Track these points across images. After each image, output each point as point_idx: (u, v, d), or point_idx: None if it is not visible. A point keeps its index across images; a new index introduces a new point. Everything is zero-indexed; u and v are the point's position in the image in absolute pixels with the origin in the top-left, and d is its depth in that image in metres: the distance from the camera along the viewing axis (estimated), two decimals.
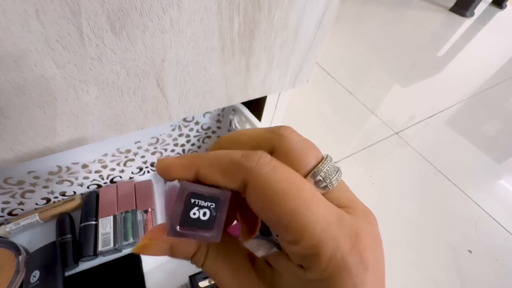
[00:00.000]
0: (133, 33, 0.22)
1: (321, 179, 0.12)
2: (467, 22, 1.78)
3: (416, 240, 0.58)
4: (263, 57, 0.32)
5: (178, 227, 0.10)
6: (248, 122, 0.42)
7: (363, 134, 0.81)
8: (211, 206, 0.11)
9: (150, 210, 0.43)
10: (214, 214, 0.11)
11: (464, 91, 1.10)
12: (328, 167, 0.12)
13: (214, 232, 0.11)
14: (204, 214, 0.11)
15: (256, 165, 0.11)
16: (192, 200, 0.10)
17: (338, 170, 0.13)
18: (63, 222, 0.40)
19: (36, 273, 0.34)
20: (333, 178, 0.12)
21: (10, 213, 0.40)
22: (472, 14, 1.84)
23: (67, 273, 0.37)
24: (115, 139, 0.40)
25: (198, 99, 0.32)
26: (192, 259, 0.13)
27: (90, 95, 0.24)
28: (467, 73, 1.23)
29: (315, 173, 0.12)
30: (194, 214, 0.10)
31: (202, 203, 0.10)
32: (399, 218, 0.62)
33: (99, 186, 0.45)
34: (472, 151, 0.81)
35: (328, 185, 0.12)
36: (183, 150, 0.49)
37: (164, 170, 0.12)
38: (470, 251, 0.57)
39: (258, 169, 0.11)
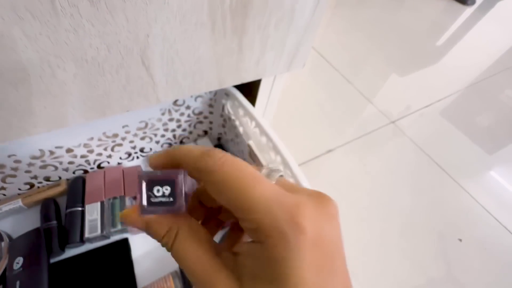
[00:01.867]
0: (112, 2, 0.20)
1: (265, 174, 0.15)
2: (468, 10, 1.75)
3: (408, 229, 0.59)
4: (257, 37, 0.30)
5: (145, 206, 0.13)
6: (241, 107, 0.41)
7: (359, 122, 0.81)
8: (170, 185, 0.13)
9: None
10: (172, 191, 0.13)
11: (462, 81, 1.09)
12: (269, 167, 0.15)
13: (176, 205, 0.13)
14: (163, 193, 0.13)
15: (211, 161, 0.13)
16: (153, 184, 0.13)
17: (278, 169, 0.16)
18: (47, 207, 0.39)
19: (20, 260, 0.33)
20: (275, 175, 0.15)
21: None
22: (473, 3, 1.81)
23: (52, 260, 0.36)
24: (100, 122, 0.38)
25: (188, 80, 0.30)
26: (162, 240, 0.14)
27: (67, 72, 0.22)
28: (465, 62, 1.22)
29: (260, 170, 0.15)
30: (156, 194, 0.13)
31: (161, 184, 0.13)
32: (392, 206, 0.62)
33: (85, 171, 0.43)
34: (466, 142, 0.81)
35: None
36: (174, 136, 0.48)
37: (155, 167, 0.15)
38: (460, 240, 0.58)
39: (212, 164, 0.13)
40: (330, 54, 1.01)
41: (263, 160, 0.41)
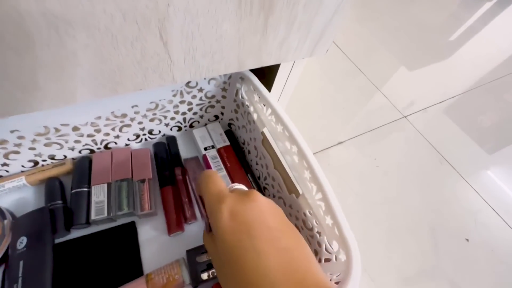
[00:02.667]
0: None
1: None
2: (487, 4, 1.67)
3: (415, 225, 0.58)
4: (284, 16, 0.27)
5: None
6: (257, 92, 0.38)
7: (370, 115, 0.78)
8: None
9: (147, 180, 0.40)
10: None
11: (476, 78, 1.05)
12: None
13: None
14: None
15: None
16: None
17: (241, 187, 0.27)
18: (52, 187, 0.38)
19: (23, 239, 0.32)
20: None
21: None
22: None
23: (57, 241, 0.35)
24: (110, 100, 0.35)
25: (206, 60, 0.27)
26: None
27: (77, 41, 0.19)
28: (480, 58, 1.18)
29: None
30: None
31: None
32: (400, 202, 0.61)
33: (92, 151, 0.42)
34: (479, 141, 0.79)
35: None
36: (184, 119, 0.46)
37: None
38: (467, 240, 0.58)
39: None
40: (343, 43, 0.97)
41: (277, 149, 0.39)
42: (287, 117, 0.35)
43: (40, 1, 0.16)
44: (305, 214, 0.35)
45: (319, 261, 0.33)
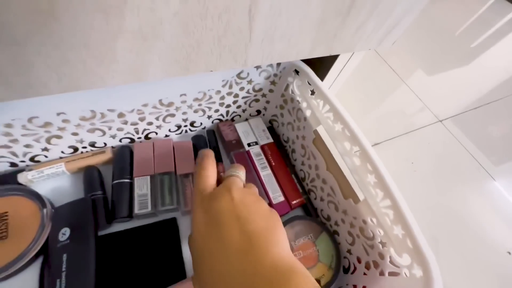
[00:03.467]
0: None
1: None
2: None
3: (456, 236, 0.54)
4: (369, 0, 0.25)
5: None
6: (314, 87, 0.35)
7: (406, 117, 0.75)
8: None
9: (191, 174, 0.38)
10: None
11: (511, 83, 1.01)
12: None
13: None
14: None
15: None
16: None
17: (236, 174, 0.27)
18: (92, 176, 0.35)
19: (66, 231, 0.30)
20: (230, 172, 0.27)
21: (32, 159, 0.34)
22: None
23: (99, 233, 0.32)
24: (159, 87, 0.33)
25: (282, 43, 0.25)
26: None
27: (169, 8, 0.17)
28: None
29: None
30: None
31: None
32: (437, 208, 0.58)
33: (132, 140, 0.39)
34: None
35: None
36: (227, 112, 0.43)
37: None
38: (510, 253, 0.54)
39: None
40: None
41: (333, 149, 0.36)
42: (349, 115, 0.32)
43: None
44: (364, 222, 0.32)
45: (381, 273, 0.30)
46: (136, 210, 0.33)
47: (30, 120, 0.29)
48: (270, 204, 0.38)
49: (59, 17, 0.15)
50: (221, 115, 0.43)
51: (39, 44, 0.16)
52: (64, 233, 0.29)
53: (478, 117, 0.82)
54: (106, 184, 0.36)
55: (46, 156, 0.35)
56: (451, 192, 0.62)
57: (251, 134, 0.44)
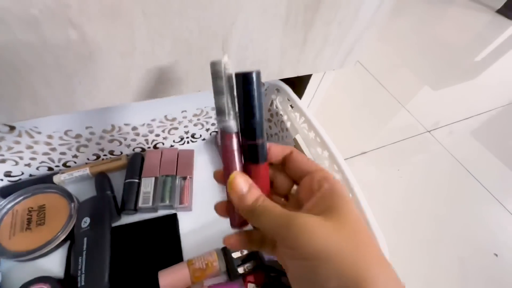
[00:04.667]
0: None
1: None
2: None
3: (440, 239, 0.57)
4: (321, 32, 0.32)
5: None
6: (291, 102, 0.43)
7: (394, 128, 0.80)
8: None
9: (188, 177, 0.45)
10: None
11: (503, 97, 1.04)
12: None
13: None
14: None
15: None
16: None
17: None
18: (102, 180, 0.43)
19: (87, 219, 0.37)
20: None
21: (64, 164, 0.43)
22: None
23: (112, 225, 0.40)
24: (164, 105, 0.41)
25: (254, 68, 0.32)
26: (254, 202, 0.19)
27: (164, 49, 0.25)
28: (507, 79, 1.16)
29: None
30: None
31: None
32: (424, 214, 0.61)
33: (143, 149, 0.47)
34: (504, 159, 0.78)
35: None
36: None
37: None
38: (496, 255, 0.56)
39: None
40: (367, 60, 1.02)
41: (309, 154, 0.42)
42: (319, 125, 0.39)
43: (148, 18, 0.22)
44: None
45: None
46: (140, 204, 0.40)
47: (66, 132, 0.38)
48: None
49: (96, 60, 0.23)
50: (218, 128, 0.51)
51: (81, 77, 0.24)
52: (85, 222, 0.37)
53: (468, 127, 0.86)
54: (120, 184, 0.44)
55: (75, 162, 0.44)
56: (437, 196, 0.65)
57: None
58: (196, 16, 0.24)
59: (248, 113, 0.19)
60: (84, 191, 0.43)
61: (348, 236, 0.15)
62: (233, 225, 0.21)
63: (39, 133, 0.37)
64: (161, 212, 0.43)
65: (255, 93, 0.18)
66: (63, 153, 0.41)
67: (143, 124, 0.42)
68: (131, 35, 0.23)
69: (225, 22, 0.26)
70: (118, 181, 0.44)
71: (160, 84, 0.28)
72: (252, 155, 0.19)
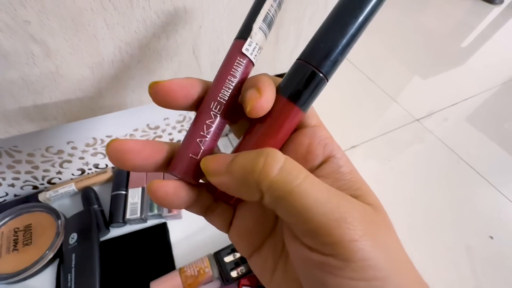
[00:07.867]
0: None
1: None
2: (496, 9, 1.69)
3: (436, 224, 0.57)
4: (292, 29, 0.32)
5: None
6: None
7: (383, 120, 0.80)
8: None
9: None
10: None
11: (490, 81, 1.05)
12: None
13: None
14: None
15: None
16: None
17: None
18: (89, 194, 0.42)
19: (74, 235, 0.37)
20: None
21: (49, 182, 0.43)
22: (502, 1, 1.74)
23: (100, 239, 0.39)
24: (146, 113, 0.41)
25: None
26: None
27: (133, 58, 0.25)
28: (493, 62, 1.18)
29: None
30: None
31: None
32: (418, 202, 0.61)
33: None
34: (496, 141, 0.78)
35: None
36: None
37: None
38: (492, 237, 0.56)
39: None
40: (352, 54, 1.02)
41: None
42: None
43: (111, 29, 0.22)
44: None
45: None
46: (128, 216, 0.40)
47: (47, 149, 0.38)
48: None
49: (62, 74, 0.23)
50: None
51: (51, 92, 0.24)
52: (73, 238, 0.36)
53: (456, 113, 0.86)
54: (104, 198, 0.44)
55: (60, 179, 0.43)
56: (430, 183, 0.65)
57: (230, 147, 0.51)
58: (161, 22, 0.24)
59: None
60: (72, 207, 0.42)
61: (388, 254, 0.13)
62: (177, 171, 0.14)
63: (20, 152, 0.36)
64: (151, 222, 0.42)
65: None
66: (46, 170, 0.40)
67: (126, 135, 0.42)
68: (96, 45, 0.23)
69: (191, 26, 0.26)
70: (105, 194, 0.44)
71: (133, 93, 0.28)
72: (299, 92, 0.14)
